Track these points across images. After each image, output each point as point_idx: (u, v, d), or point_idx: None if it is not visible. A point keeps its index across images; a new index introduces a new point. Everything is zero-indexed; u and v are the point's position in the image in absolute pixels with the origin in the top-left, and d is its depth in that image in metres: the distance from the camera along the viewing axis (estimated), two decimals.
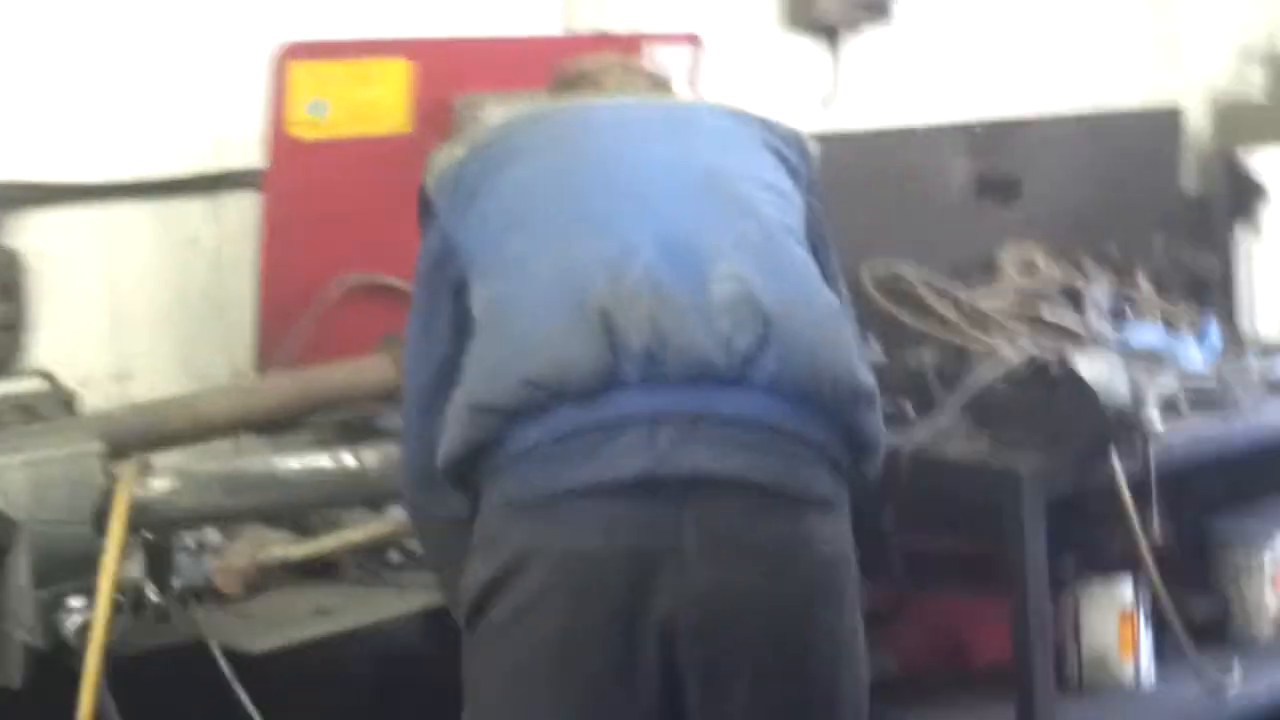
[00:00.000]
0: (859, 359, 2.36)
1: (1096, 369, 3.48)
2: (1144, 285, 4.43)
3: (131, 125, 3.54)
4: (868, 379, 2.33)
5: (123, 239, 3.55)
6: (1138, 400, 3.49)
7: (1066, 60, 4.82)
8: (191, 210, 3.63)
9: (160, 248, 3.60)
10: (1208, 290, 4.56)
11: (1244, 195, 4.48)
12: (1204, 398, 3.83)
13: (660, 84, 2.90)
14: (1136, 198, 4.71)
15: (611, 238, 2.33)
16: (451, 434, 2.27)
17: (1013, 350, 3.81)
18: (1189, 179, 4.88)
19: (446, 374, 2.41)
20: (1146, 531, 3.53)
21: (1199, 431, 3.70)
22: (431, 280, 2.49)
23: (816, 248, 2.49)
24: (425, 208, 2.53)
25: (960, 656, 3.97)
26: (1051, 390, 3.53)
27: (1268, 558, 4.10)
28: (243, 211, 3.59)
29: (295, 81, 3.35)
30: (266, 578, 2.90)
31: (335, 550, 2.93)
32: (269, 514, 2.87)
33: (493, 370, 2.26)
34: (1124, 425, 3.46)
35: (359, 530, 2.95)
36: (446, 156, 2.55)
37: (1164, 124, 4.90)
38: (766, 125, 2.62)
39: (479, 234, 2.41)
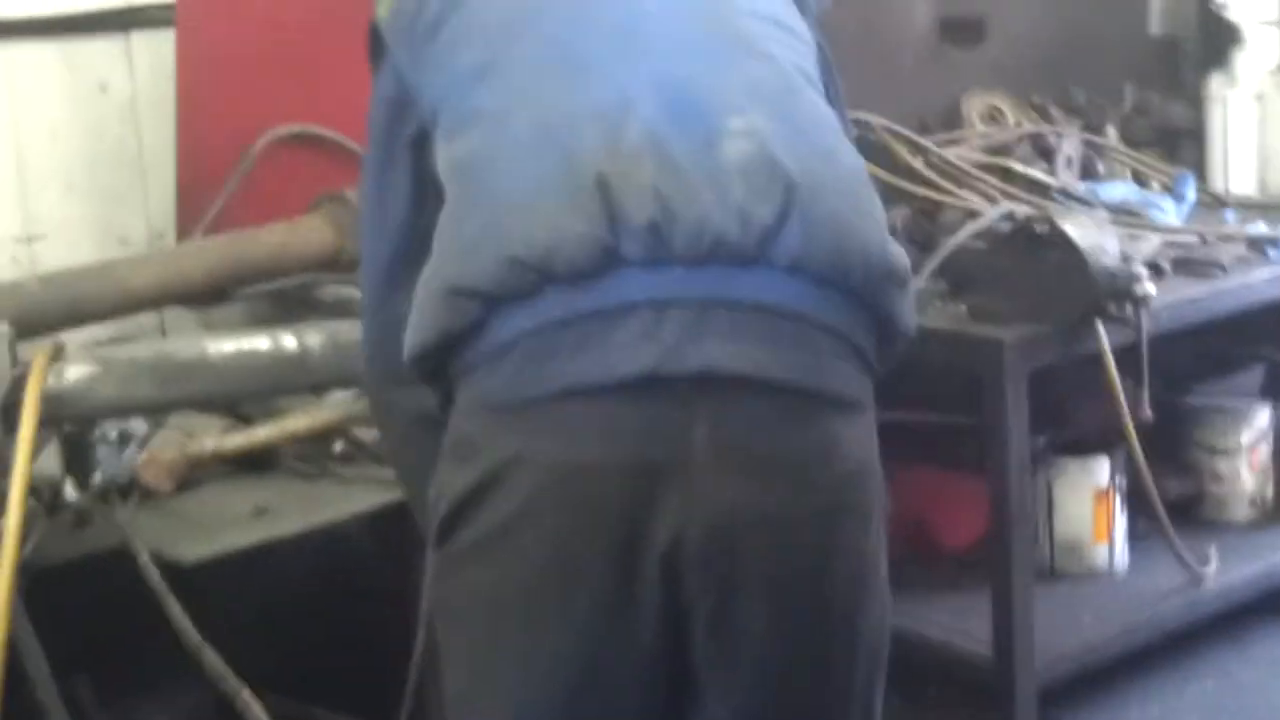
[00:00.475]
0: (888, 232, 2.04)
1: (1084, 230, 3.22)
2: (1113, 136, 4.19)
3: None
4: (901, 256, 2.01)
5: (24, 84, 3.20)
6: (1128, 264, 3.23)
7: None
8: (101, 51, 3.27)
9: (67, 95, 3.26)
10: (1178, 142, 4.30)
11: (1217, 38, 4.19)
12: (1186, 260, 3.57)
13: None
14: (1104, 42, 4.44)
15: (602, 85, 1.97)
16: (421, 321, 1.93)
17: (989, 208, 3.53)
18: (1158, 21, 4.58)
19: (409, 243, 2.08)
20: (1134, 407, 3.29)
21: (1183, 296, 3.45)
22: (386, 133, 2.12)
23: (829, 96, 2.14)
24: (376, 46, 2.15)
25: (930, 538, 3.74)
26: (1036, 253, 3.27)
27: (1245, 436, 3.88)
28: (159, 54, 3.25)
29: None
30: (198, 471, 2.57)
31: (273, 441, 2.61)
32: (200, 404, 2.54)
33: (469, 245, 1.92)
34: (1114, 291, 3.20)
35: (300, 418, 2.63)
36: None
37: None
38: None
39: (443, 78, 2.04)
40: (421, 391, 2.02)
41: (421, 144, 2.05)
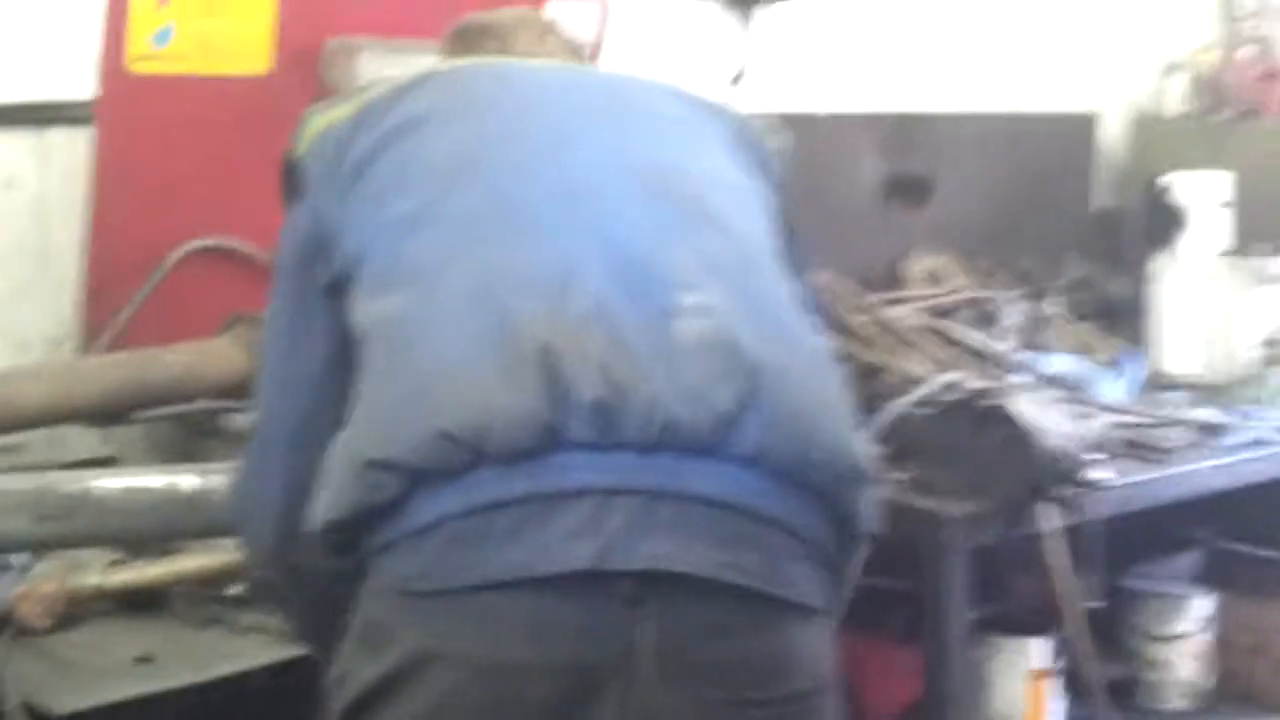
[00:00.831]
0: (854, 425, 1.84)
1: (1030, 407, 3.03)
2: (1055, 306, 4.02)
3: None
4: (865, 452, 1.82)
5: None
6: (1074, 446, 3.04)
7: (984, 59, 4.39)
8: (12, 146, 3.03)
9: None
10: (1120, 317, 4.14)
11: (1161, 219, 4.04)
12: (1133, 442, 3.39)
13: (576, 51, 2.32)
14: (1049, 210, 4.34)
15: (545, 245, 1.78)
16: (332, 494, 1.71)
17: (932, 373, 3.34)
18: (1102, 196, 4.45)
19: (320, 402, 1.86)
20: (1076, 589, 3.09)
21: (1129, 480, 3.26)
22: (299, 276, 1.91)
23: (792, 264, 1.95)
24: (292, 179, 1.95)
25: (858, 702, 3.50)
26: (980, 428, 3.07)
27: (1184, 624, 3.69)
28: (74, 151, 3.01)
29: (133, 10, 2.76)
30: (78, 608, 2.30)
31: (164, 580, 2.35)
32: (82, 544, 2.28)
33: (391, 414, 1.71)
34: (1059, 474, 3.01)
35: (194, 556, 2.37)
36: (325, 117, 1.95)
37: (1079, 130, 4.49)
38: (725, 112, 2.08)
39: (368, 224, 1.84)
40: (328, 558, 1.79)
41: (339, 291, 1.84)
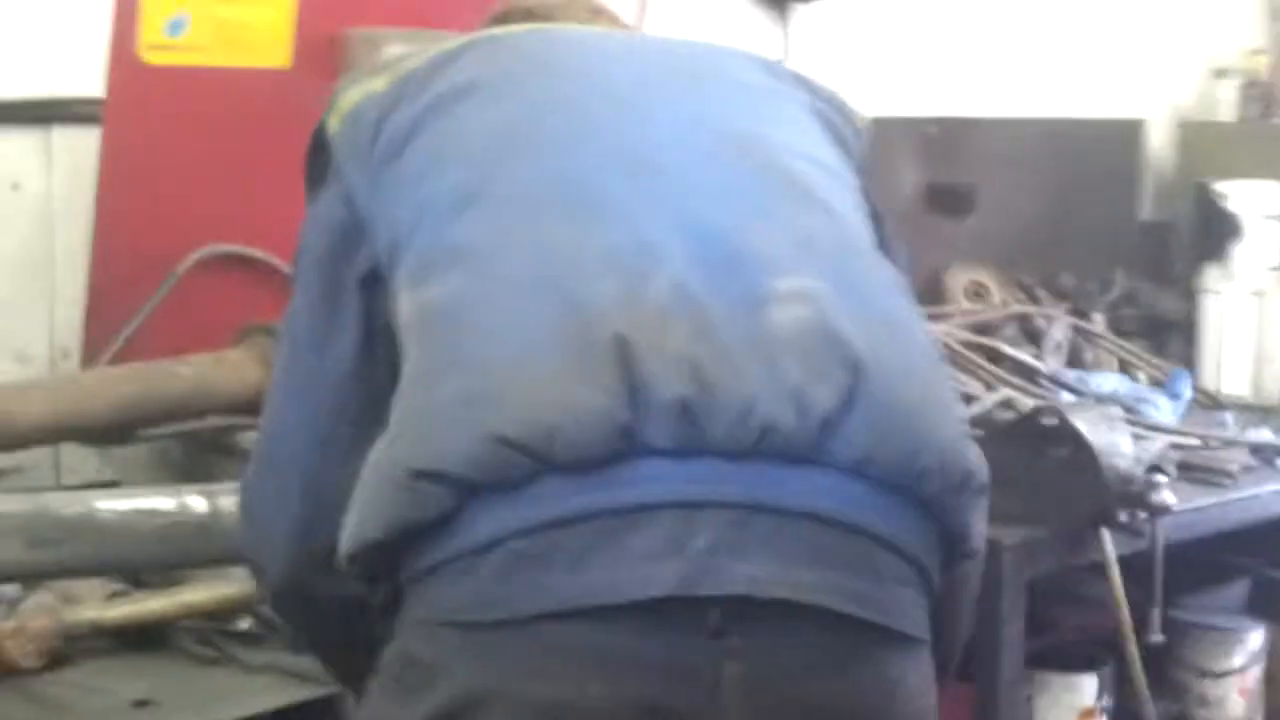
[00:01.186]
0: (965, 428, 1.61)
1: (1095, 426, 2.79)
2: (1100, 323, 3.79)
3: None
4: (980, 459, 1.58)
5: None
6: (1142, 468, 2.80)
7: (1028, 63, 4.19)
8: (17, 146, 2.79)
9: None
10: (1167, 334, 3.91)
11: (1214, 228, 3.80)
12: (1190, 465, 3.15)
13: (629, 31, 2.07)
14: (1093, 224, 4.13)
15: (617, 225, 1.52)
16: (369, 510, 1.46)
17: (983, 392, 3.11)
18: (1149, 207, 4.22)
19: (353, 400, 1.61)
20: (1140, 626, 2.85)
21: (1190, 505, 3.02)
22: (329, 268, 1.65)
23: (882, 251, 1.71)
24: (318, 163, 1.70)
25: None
26: (1041, 448, 2.82)
27: (1237, 659, 3.44)
28: (82, 152, 2.77)
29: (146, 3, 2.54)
30: (74, 646, 2.06)
31: (167, 614, 2.10)
32: (82, 572, 2.03)
33: (440, 416, 1.45)
34: (1127, 498, 2.76)
35: (199, 589, 2.12)
36: (360, 89, 1.69)
37: (1125, 137, 4.26)
38: (808, 84, 1.82)
39: (409, 209, 1.58)
40: (348, 583, 1.54)
41: (372, 287, 1.59)
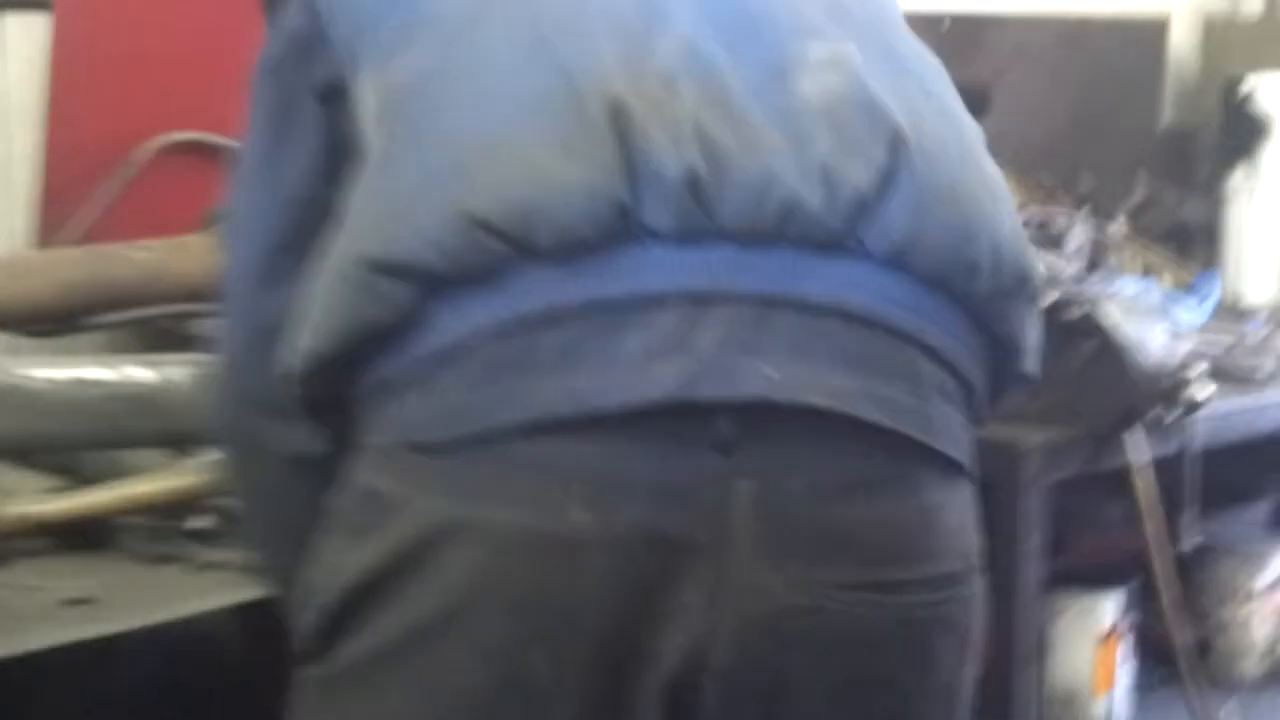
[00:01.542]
0: (1020, 226, 1.38)
1: (1125, 318, 2.57)
2: (1123, 227, 3.57)
3: None
4: (1036, 260, 1.37)
5: None
6: (1177, 361, 2.58)
7: None
8: None
9: None
10: (1191, 239, 3.70)
11: (1241, 128, 3.59)
12: (1220, 368, 2.93)
13: None
14: (1115, 125, 3.90)
15: None
16: (319, 317, 1.24)
17: None
18: (1172, 109, 3.99)
19: (304, 221, 1.37)
20: (1171, 535, 2.63)
21: (1222, 408, 2.79)
22: (285, 77, 1.41)
23: None
24: None
25: None
26: (1067, 342, 2.60)
27: (1260, 580, 3.21)
28: (38, 43, 2.54)
29: None
30: (10, 544, 1.84)
31: (112, 508, 1.88)
32: (12, 449, 1.81)
33: (405, 202, 1.22)
34: (1161, 393, 2.54)
35: (148, 481, 1.90)
36: None
37: (1147, 36, 4.00)
38: None
39: None
40: (300, 429, 1.33)
41: (333, 100, 1.36)
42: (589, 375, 1.15)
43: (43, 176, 2.48)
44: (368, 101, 1.29)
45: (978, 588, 1.34)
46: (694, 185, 1.17)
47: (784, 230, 1.19)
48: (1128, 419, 2.56)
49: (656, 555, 1.16)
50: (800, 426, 1.18)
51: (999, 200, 1.31)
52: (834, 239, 1.20)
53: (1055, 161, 3.69)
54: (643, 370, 1.15)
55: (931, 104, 1.30)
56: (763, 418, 1.17)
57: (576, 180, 1.16)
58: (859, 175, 1.21)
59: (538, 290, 1.17)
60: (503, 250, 1.16)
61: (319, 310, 1.23)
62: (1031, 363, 1.37)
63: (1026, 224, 3.38)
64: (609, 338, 1.16)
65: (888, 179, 1.22)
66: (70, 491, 1.91)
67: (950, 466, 1.27)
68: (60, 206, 2.45)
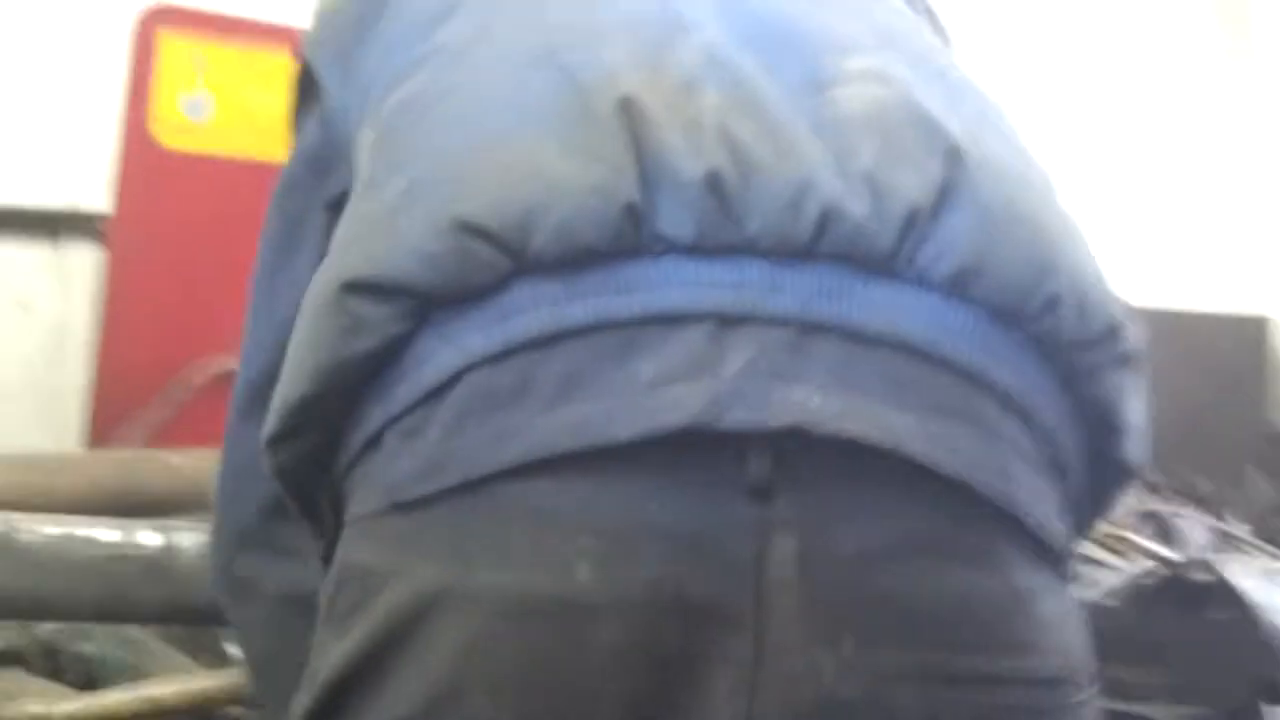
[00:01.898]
0: (1101, 269, 1.08)
1: (1258, 583, 2.33)
2: (1240, 527, 3.35)
3: None
4: (1127, 312, 1.06)
5: None
6: None
7: (1146, 251, 3.85)
8: (26, 261, 2.45)
9: None
10: None
11: None
12: None
13: None
14: (1217, 422, 3.71)
15: (635, 2, 1.10)
16: (301, 353, 1.02)
17: (1120, 561, 2.66)
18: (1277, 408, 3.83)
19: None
20: None
21: None
22: (296, 198, 1.23)
23: None
24: (302, 93, 1.26)
25: None
26: (1194, 611, 2.36)
27: None
28: (94, 266, 2.42)
29: (166, 61, 2.21)
30: None
31: (126, 712, 1.62)
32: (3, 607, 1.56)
33: (389, 215, 1.01)
34: None
35: (164, 683, 1.64)
36: None
37: (1250, 334, 3.91)
38: None
39: (379, 51, 1.18)
40: (289, 562, 1.14)
41: (342, 206, 1.17)
42: (594, 404, 0.93)
43: (95, 397, 2.31)
44: (364, 142, 1.10)
45: (1090, 704, 1.01)
46: (717, 189, 0.95)
47: (823, 244, 0.96)
48: (1263, 694, 2.29)
49: (679, 625, 0.91)
50: (849, 470, 0.93)
51: (1078, 240, 1.06)
52: (884, 258, 0.97)
53: (1158, 457, 3.49)
54: (658, 396, 0.92)
55: (993, 130, 1.06)
56: (802, 457, 0.93)
57: (582, 180, 0.96)
58: (911, 185, 0.98)
59: (538, 308, 0.95)
60: (498, 260, 0.95)
61: (296, 352, 1.02)
62: (1136, 449, 1.06)
63: (1141, 520, 3.19)
64: (619, 362, 0.94)
65: (945, 192, 0.98)
66: (86, 693, 1.66)
67: (1042, 552, 0.99)
68: (111, 426, 2.27)
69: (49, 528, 1.54)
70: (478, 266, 0.94)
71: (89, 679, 1.75)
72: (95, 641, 1.76)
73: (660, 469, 0.91)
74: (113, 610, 1.57)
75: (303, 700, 0.98)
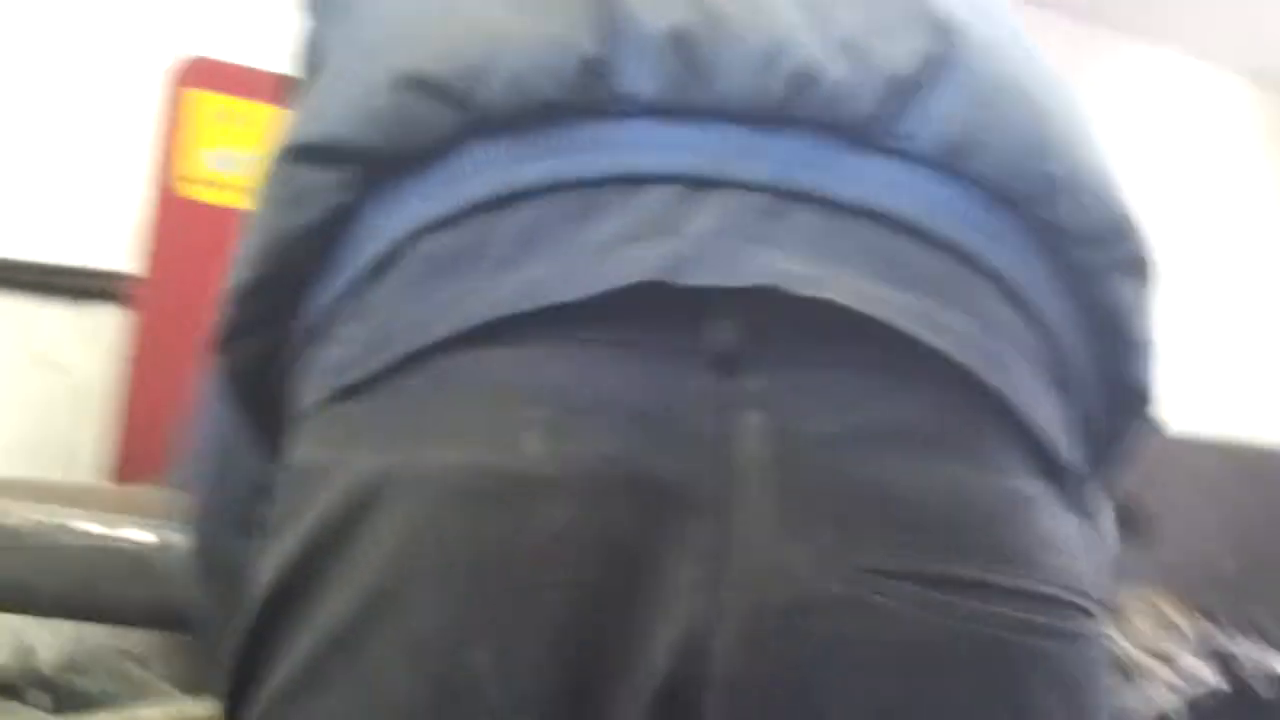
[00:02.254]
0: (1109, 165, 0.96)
1: None
2: None
3: None
4: (1138, 221, 0.93)
5: None
6: None
7: (1217, 383, 3.74)
8: (50, 315, 2.39)
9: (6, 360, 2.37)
10: None
11: None
12: None
13: None
14: None
15: None
16: (246, 240, 0.92)
17: (1183, 676, 2.55)
18: None
19: None
20: None
21: None
22: None
23: None
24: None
25: None
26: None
27: None
28: (119, 328, 2.36)
29: (195, 117, 2.16)
30: None
31: None
32: None
33: (332, 80, 0.93)
34: None
35: (156, 706, 1.52)
36: None
37: None
38: None
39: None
40: (246, 544, 0.96)
41: None
42: (549, 265, 0.83)
43: (116, 454, 2.23)
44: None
45: (1098, 641, 0.88)
46: (684, 44, 0.86)
47: (799, 108, 0.86)
48: None
49: (636, 507, 0.80)
50: (827, 344, 0.82)
51: (1086, 132, 0.94)
52: (865, 126, 0.86)
53: (1222, 591, 3.37)
54: (616, 254, 0.83)
55: (988, 15, 0.95)
56: (775, 327, 0.82)
57: (536, 31, 0.87)
58: (895, 54, 0.88)
59: (490, 169, 0.86)
60: (445, 115, 0.86)
61: (243, 239, 0.92)
62: (1148, 370, 0.94)
63: (1203, 649, 3.06)
64: (578, 224, 0.84)
65: (933, 62, 0.88)
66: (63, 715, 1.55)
67: (1043, 462, 0.86)
68: (130, 483, 2.19)
69: (37, 514, 1.44)
70: (423, 123, 0.86)
71: (84, 713, 1.64)
72: (91, 675, 1.66)
73: (616, 335, 0.82)
74: (93, 608, 1.46)
75: (239, 623, 0.87)
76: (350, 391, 0.85)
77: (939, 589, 0.82)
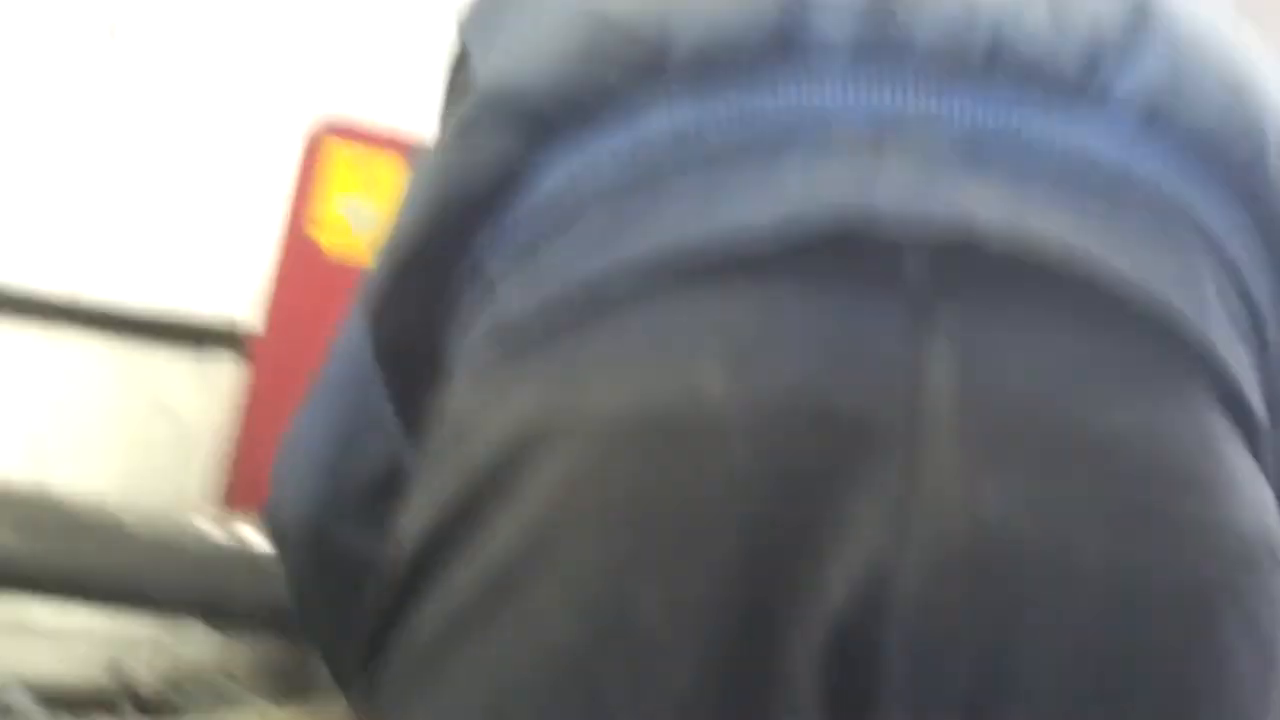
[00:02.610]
0: None
1: None
2: None
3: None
4: None
5: (62, 378, 2.36)
6: None
7: None
8: (163, 366, 2.42)
9: (114, 406, 2.38)
10: None
11: None
12: None
13: None
14: None
15: None
16: (409, 200, 0.92)
17: None
18: None
19: None
20: None
21: None
22: None
23: None
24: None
25: None
26: None
27: None
28: (234, 377, 2.38)
29: (331, 167, 2.21)
30: None
31: None
32: (88, 582, 1.47)
33: (516, 38, 0.92)
34: None
35: (243, 713, 1.54)
36: None
37: None
38: None
39: None
40: (375, 534, 0.94)
41: None
42: (731, 199, 0.82)
43: (222, 503, 2.26)
44: None
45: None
46: (879, 6, 0.85)
47: (998, 61, 0.86)
48: None
49: (821, 439, 0.79)
50: (1023, 282, 0.82)
51: (1272, 83, 0.96)
52: (1067, 80, 0.86)
53: None
54: (805, 189, 0.82)
55: None
56: (969, 264, 0.81)
57: None
58: (1095, 16, 0.88)
59: (669, 108, 0.85)
60: (631, 59, 0.86)
61: (403, 206, 0.92)
62: None
63: None
64: (760, 165, 0.83)
65: (1138, 23, 0.88)
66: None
67: (1236, 416, 0.85)
68: None
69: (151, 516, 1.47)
70: (611, 68, 0.85)
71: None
72: (188, 694, 1.68)
73: (805, 270, 0.81)
74: (206, 603, 1.47)
75: (390, 573, 0.89)
76: (512, 335, 0.85)
77: (1131, 527, 0.82)
